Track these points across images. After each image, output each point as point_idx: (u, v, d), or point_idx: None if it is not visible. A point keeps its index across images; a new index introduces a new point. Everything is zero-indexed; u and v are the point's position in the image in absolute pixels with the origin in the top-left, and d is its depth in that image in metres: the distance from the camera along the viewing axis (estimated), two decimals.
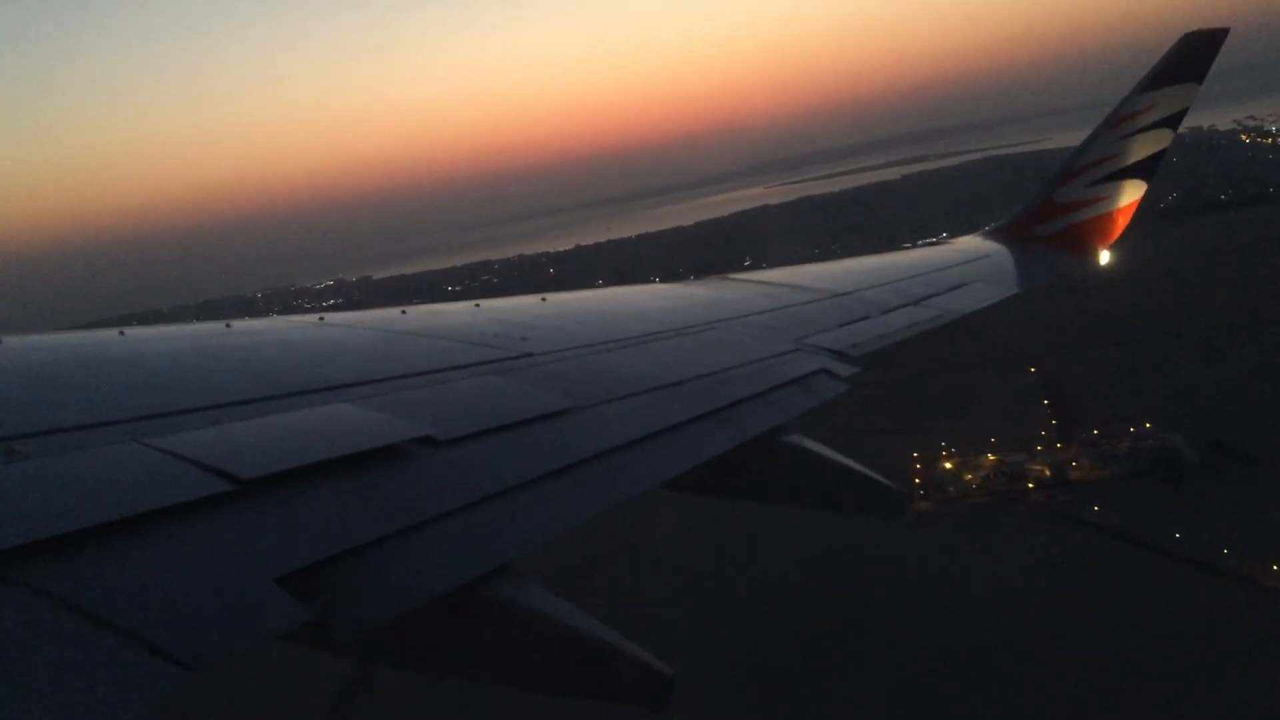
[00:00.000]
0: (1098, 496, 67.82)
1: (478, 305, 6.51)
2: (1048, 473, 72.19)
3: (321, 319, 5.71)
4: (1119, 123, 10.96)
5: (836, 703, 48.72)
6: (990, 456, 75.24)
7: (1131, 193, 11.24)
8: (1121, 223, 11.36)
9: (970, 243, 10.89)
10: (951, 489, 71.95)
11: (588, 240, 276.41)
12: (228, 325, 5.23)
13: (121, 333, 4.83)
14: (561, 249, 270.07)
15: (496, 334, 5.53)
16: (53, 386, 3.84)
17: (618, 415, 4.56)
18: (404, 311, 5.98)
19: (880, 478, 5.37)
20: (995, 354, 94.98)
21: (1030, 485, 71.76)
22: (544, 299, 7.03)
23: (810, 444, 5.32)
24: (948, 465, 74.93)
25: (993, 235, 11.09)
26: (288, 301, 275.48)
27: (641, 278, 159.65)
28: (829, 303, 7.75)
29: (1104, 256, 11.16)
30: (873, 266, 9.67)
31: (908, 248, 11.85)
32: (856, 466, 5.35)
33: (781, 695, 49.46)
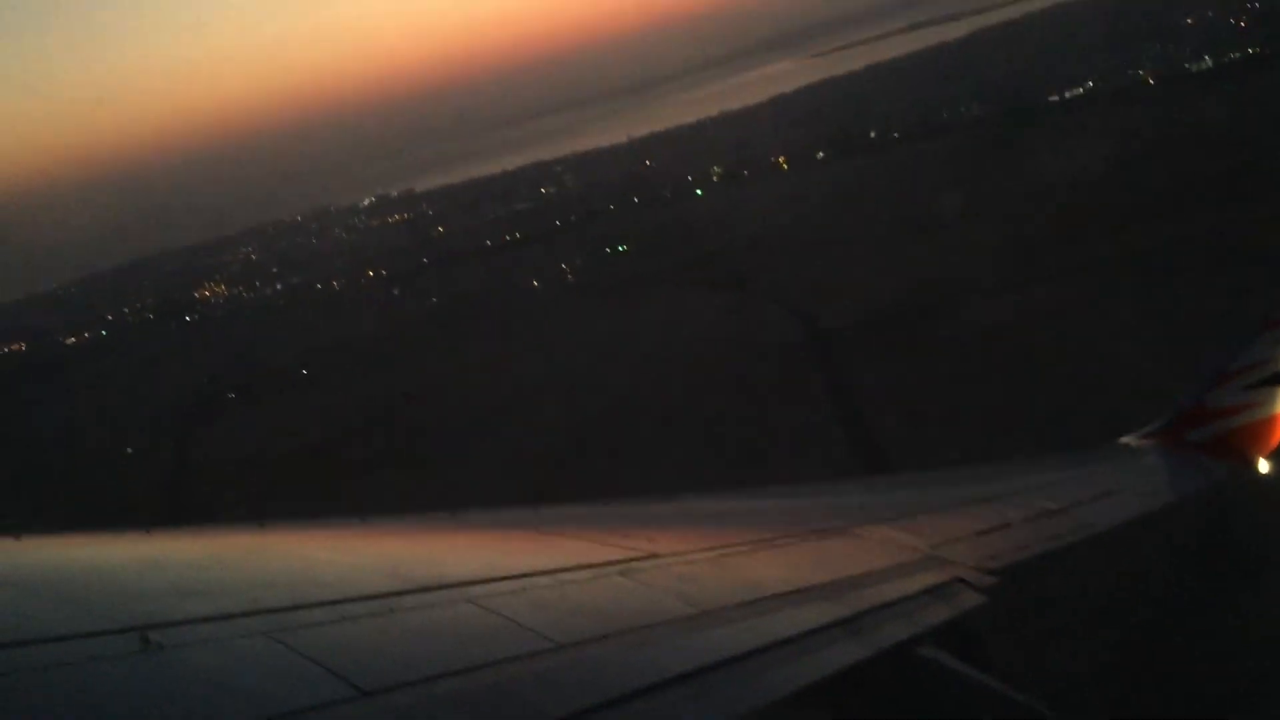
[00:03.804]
0: None
1: (606, 504, 6.74)
2: None
3: (452, 515, 5.94)
4: (1278, 326, 10.45)
5: None
6: None
7: None
8: None
9: (1120, 446, 10.57)
10: None
11: (639, 131, 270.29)
12: (364, 520, 5.47)
13: (261, 525, 5.07)
14: (614, 142, 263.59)
15: (624, 533, 5.51)
16: (192, 577, 4.03)
17: (744, 620, 4.51)
18: (536, 510, 6.22)
19: (1022, 697, 5.16)
20: None
21: None
22: (672, 500, 7.15)
23: (947, 659, 5.09)
24: None
25: (1144, 438, 10.62)
26: (338, 222, 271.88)
27: (751, 158, 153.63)
28: (965, 508, 7.56)
29: (1262, 465, 10.40)
30: (1013, 470, 9.69)
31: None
32: (997, 685, 5.16)
33: None
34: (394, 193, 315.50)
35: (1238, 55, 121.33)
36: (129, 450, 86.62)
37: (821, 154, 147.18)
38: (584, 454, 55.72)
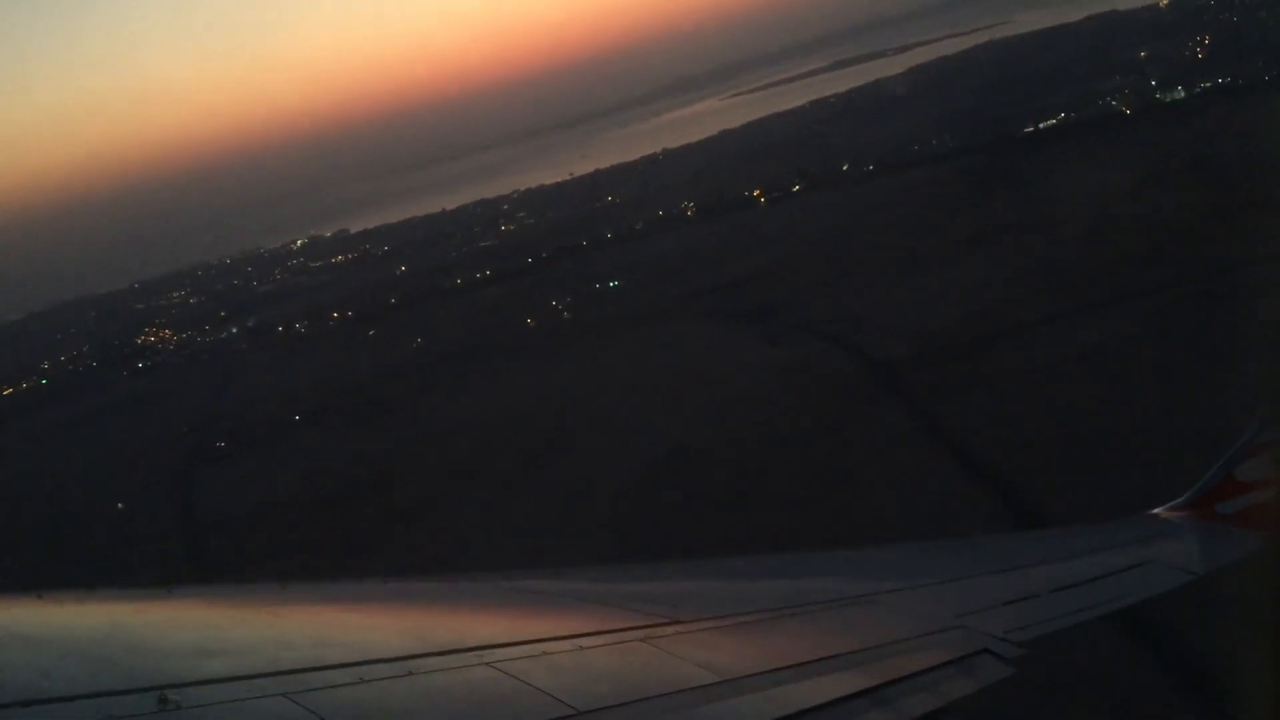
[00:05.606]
0: None
1: (627, 568, 6.57)
2: None
3: (473, 578, 6.09)
4: None
5: None
6: None
7: None
8: None
9: (1150, 517, 10.58)
10: None
11: (583, 169, 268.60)
12: (385, 581, 5.52)
13: (281, 585, 5.14)
14: (558, 179, 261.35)
15: (644, 599, 5.53)
16: (211, 637, 4.05)
17: (768, 689, 4.48)
18: (556, 573, 6.14)
19: None
20: None
21: None
22: (693, 564, 7.17)
23: None
24: None
25: (1174, 510, 10.66)
26: (274, 264, 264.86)
27: (722, 191, 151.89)
28: (993, 578, 7.51)
29: None
30: (1041, 540, 9.47)
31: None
32: None
33: None
34: (328, 233, 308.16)
35: (1210, 85, 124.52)
36: (123, 506, 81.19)
37: (797, 187, 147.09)
38: (675, 513, 53.16)
